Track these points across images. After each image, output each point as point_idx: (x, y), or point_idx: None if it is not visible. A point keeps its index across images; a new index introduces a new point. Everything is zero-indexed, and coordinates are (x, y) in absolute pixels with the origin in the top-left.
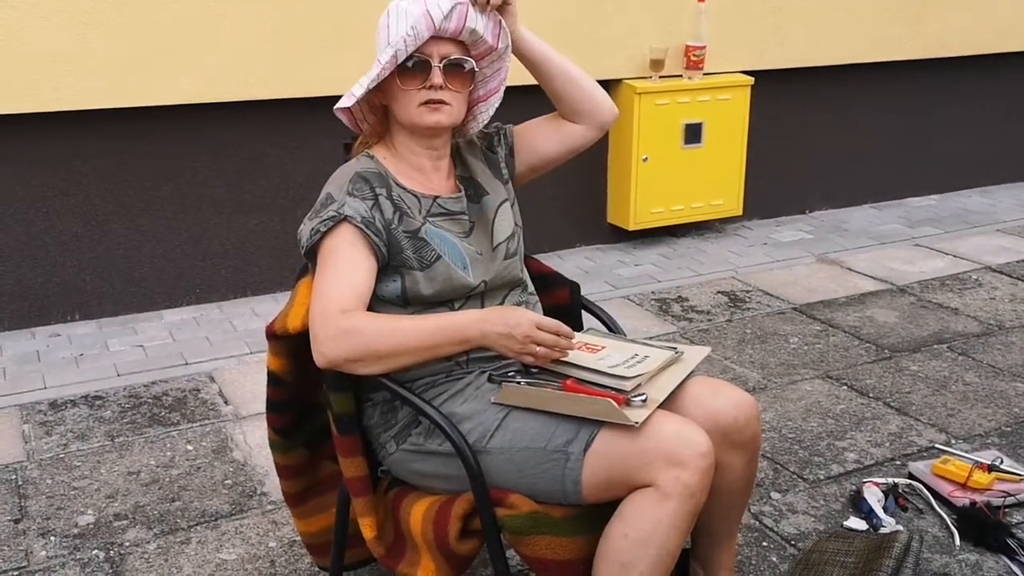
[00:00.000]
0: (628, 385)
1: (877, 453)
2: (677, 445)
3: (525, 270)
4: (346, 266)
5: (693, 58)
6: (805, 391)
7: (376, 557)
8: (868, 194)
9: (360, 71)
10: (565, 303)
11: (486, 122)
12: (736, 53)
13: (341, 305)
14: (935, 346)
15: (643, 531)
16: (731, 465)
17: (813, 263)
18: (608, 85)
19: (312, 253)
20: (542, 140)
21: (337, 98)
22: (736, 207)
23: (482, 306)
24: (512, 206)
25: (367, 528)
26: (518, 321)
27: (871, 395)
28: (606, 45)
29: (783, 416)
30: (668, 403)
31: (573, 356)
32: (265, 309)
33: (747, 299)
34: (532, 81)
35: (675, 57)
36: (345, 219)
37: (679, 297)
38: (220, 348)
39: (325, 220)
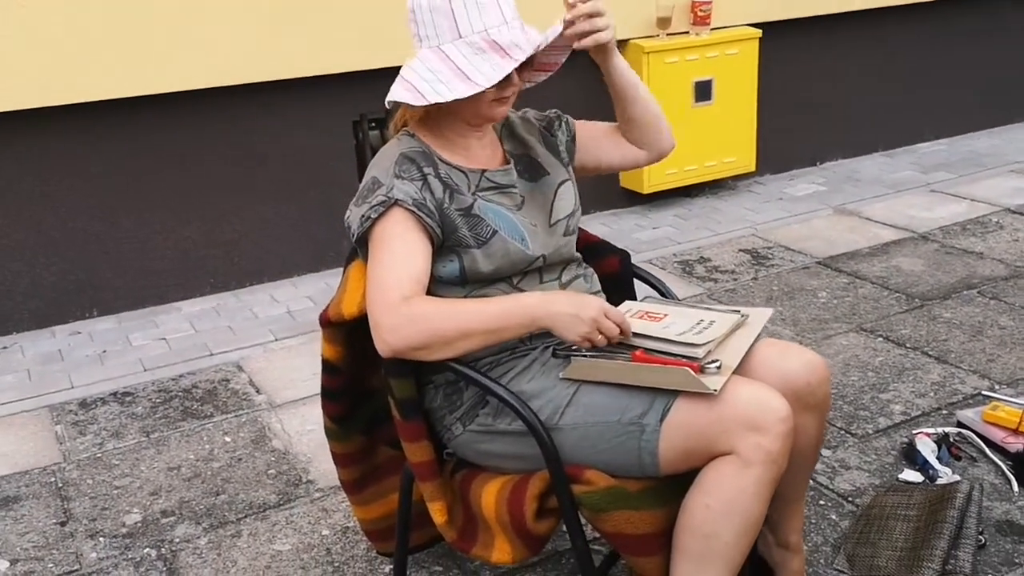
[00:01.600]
0: (700, 352)
1: (923, 403)
2: (756, 411)
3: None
4: (402, 251)
5: (700, 13)
6: (841, 345)
7: (448, 541)
8: (878, 142)
9: (362, 48)
10: (615, 272)
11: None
12: (742, 5)
13: (402, 292)
14: (965, 292)
15: (726, 501)
16: (803, 427)
17: (831, 215)
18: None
19: (363, 240)
20: (602, 150)
21: (340, 77)
22: (749, 163)
23: (540, 281)
24: (573, 186)
25: (438, 513)
26: (588, 303)
27: (908, 345)
28: (612, 5)
29: None
30: (738, 368)
31: (638, 326)
32: (284, 295)
33: (769, 255)
34: None
35: (681, 14)
36: (396, 203)
37: (701, 258)
38: (244, 336)
39: (375, 206)
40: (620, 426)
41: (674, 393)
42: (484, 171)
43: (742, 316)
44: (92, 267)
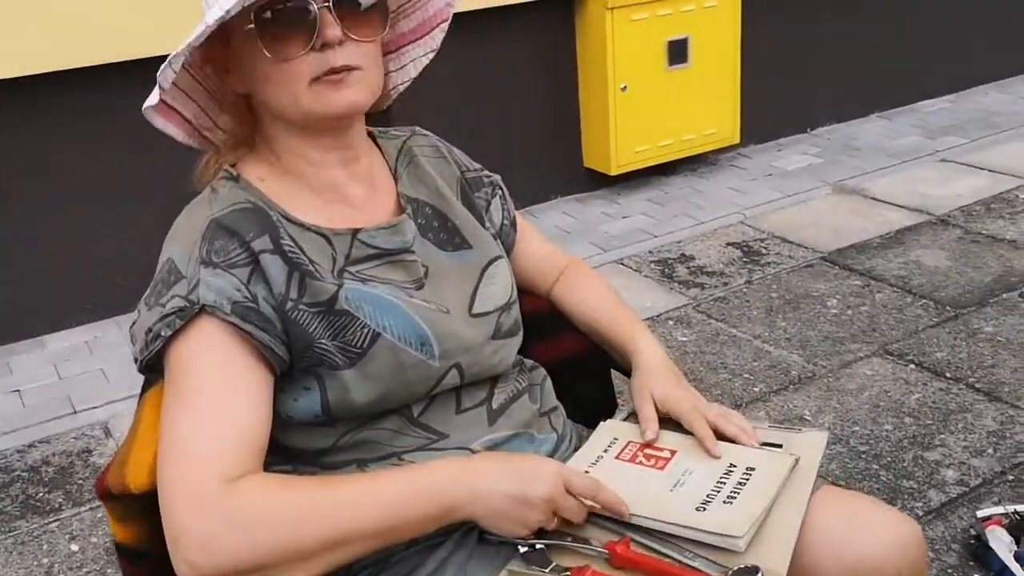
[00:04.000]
0: (741, 545)
1: (982, 466)
2: None
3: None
4: (218, 396)
5: None
6: (864, 376)
7: None
8: (875, 103)
9: None
10: (578, 355)
11: (402, 89)
12: None
13: (222, 471)
14: (1004, 295)
15: None
16: None
17: (830, 194)
18: (572, 2)
19: (156, 366)
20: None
21: None
22: (732, 134)
23: (458, 408)
24: (508, 266)
25: None
26: (538, 475)
27: (948, 375)
28: None
29: (846, 418)
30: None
31: (631, 479)
32: None
33: (764, 250)
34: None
35: None
36: (203, 310)
37: (682, 255)
38: (118, 384)
39: (169, 317)
40: None
41: None
42: (357, 232)
43: (792, 456)
44: None
